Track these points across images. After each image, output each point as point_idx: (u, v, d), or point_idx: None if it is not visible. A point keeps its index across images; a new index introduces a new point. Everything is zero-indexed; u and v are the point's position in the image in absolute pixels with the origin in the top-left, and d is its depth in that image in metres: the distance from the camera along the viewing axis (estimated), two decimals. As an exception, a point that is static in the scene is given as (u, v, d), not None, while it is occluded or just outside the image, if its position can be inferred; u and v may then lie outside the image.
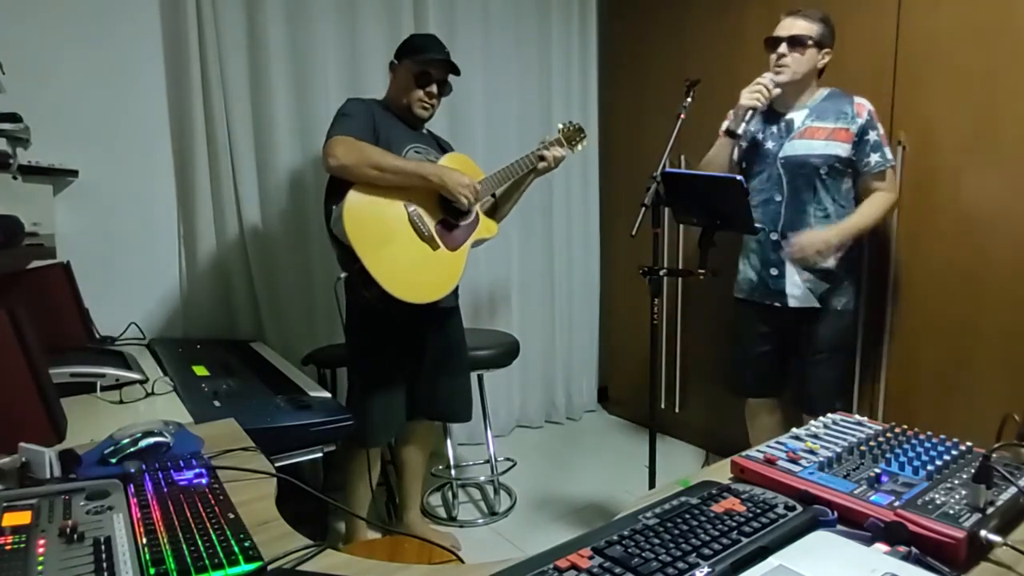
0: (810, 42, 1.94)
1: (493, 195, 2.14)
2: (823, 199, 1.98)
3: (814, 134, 1.97)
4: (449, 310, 2.11)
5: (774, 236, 2.03)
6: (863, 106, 1.95)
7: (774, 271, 2.05)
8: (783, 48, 1.95)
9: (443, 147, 2.17)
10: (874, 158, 1.95)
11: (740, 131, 1.97)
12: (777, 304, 2.06)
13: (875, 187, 1.98)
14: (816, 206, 1.98)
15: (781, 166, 2.00)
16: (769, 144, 2.04)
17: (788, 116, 2.03)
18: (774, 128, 2.04)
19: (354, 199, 1.78)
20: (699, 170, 2.12)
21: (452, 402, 2.18)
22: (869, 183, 1.99)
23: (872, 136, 1.94)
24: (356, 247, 1.75)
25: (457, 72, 2.03)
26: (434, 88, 2.00)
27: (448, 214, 1.95)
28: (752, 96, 1.93)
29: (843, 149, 1.95)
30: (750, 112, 1.94)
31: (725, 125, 2.08)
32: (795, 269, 2.01)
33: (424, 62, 1.97)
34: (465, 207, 1.92)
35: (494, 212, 2.18)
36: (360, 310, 1.97)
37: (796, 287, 2.02)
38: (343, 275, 1.87)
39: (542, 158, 2.10)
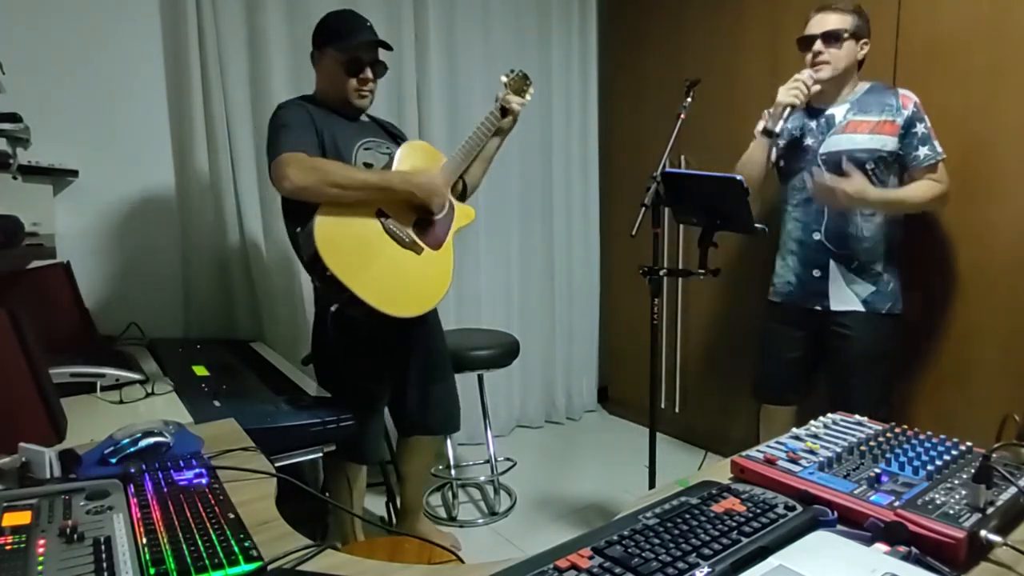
0: (846, 35, 1.86)
1: (461, 177, 1.99)
2: None
3: (857, 128, 1.89)
4: (427, 313, 1.97)
5: (816, 236, 1.95)
6: (908, 98, 1.87)
7: (817, 272, 1.97)
8: (819, 45, 1.88)
9: (390, 132, 2.05)
10: (923, 151, 1.86)
11: (778, 130, 1.90)
12: (818, 308, 1.98)
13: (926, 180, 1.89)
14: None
15: (823, 162, 1.92)
16: (809, 141, 1.96)
17: (828, 111, 1.95)
18: (813, 124, 1.96)
19: (323, 225, 1.64)
20: (735, 173, 2.02)
21: (443, 412, 2.11)
22: (919, 178, 1.89)
23: (920, 128, 1.86)
24: (341, 276, 1.62)
25: (388, 47, 1.87)
26: (368, 73, 1.84)
27: (422, 212, 1.83)
28: (791, 93, 1.86)
29: (890, 143, 1.86)
30: (788, 110, 1.88)
31: (760, 126, 2.00)
32: (840, 271, 1.94)
33: (351, 48, 1.80)
34: (440, 211, 1.82)
35: (465, 192, 2.06)
36: (335, 326, 1.84)
37: (840, 289, 1.94)
38: (334, 308, 1.75)
39: (505, 112, 1.91)
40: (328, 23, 1.86)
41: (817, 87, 1.89)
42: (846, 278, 1.94)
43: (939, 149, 1.88)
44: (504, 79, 1.97)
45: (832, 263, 1.95)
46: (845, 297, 1.94)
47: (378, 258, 1.71)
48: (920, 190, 1.87)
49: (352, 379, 1.88)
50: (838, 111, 1.94)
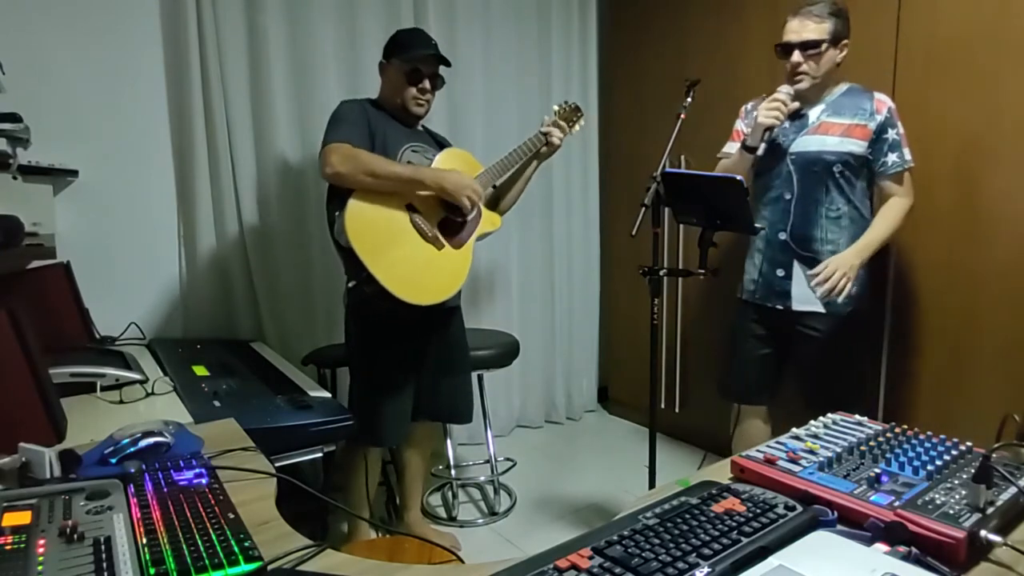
0: (825, 45, 1.84)
1: (494, 186, 2.12)
2: (836, 199, 1.90)
3: (828, 129, 1.88)
4: (451, 309, 2.10)
5: (782, 236, 1.96)
6: (883, 103, 1.86)
7: (780, 272, 1.98)
8: (797, 56, 1.85)
9: (441, 144, 2.15)
10: (891, 158, 1.86)
11: (760, 151, 1.92)
12: (780, 307, 2.00)
13: (891, 191, 1.89)
14: (828, 206, 1.90)
15: (792, 162, 1.92)
16: (780, 139, 1.95)
17: (803, 111, 1.94)
18: (787, 123, 1.95)
19: (354, 207, 1.77)
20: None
21: (455, 402, 2.18)
22: (885, 185, 1.90)
23: (891, 135, 1.85)
24: (361, 255, 1.74)
25: (447, 63, 2.01)
26: (426, 84, 1.98)
27: (450, 212, 1.94)
28: (771, 115, 1.86)
29: (859, 147, 1.86)
30: (767, 133, 1.89)
31: (739, 124, 2.03)
32: (802, 270, 1.95)
33: (413, 59, 1.95)
34: (468, 210, 1.91)
35: (496, 203, 2.17)
36: (363, 313, 1.96)
37: (802, 289, 1.95)
38: (351, 283, 1.85)
39: (547, 143, 2.11)
40: (397, 37, 2.03)
41: (796, 104, 1.90)
42: (808, 279, 1.93)
43: (908, 157, 1.88)
44: (556, 108, 2.20)
45: (796, 263, 1.96)
46: (807, 298, 1.95)
47: (399, 245, 1.83)
48: (887, 221, 1.89)
49: (377, 361, 1.97)
50: (812, 111, 1.94)
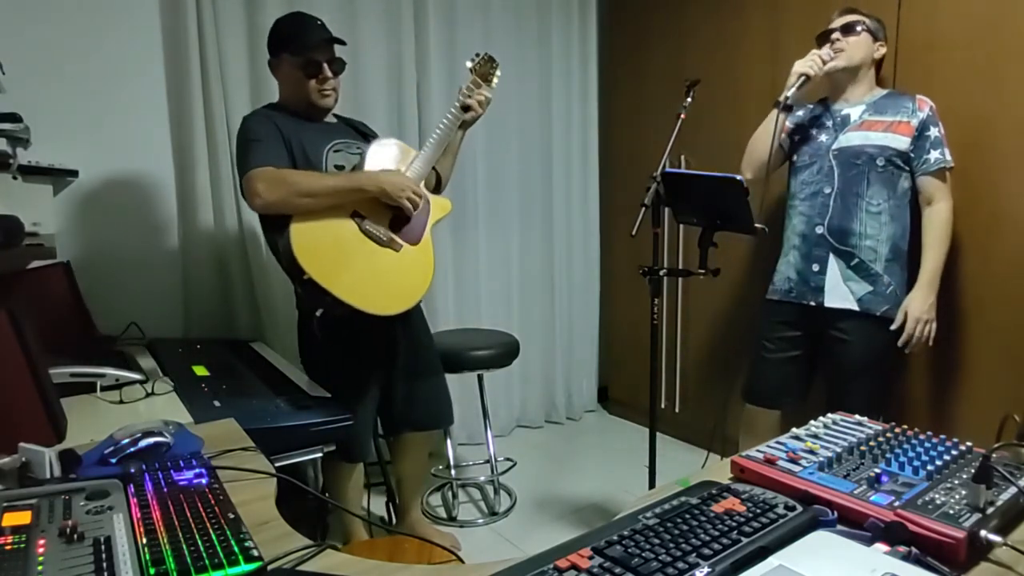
0: (861, 27, 1.91)
1: (434, 168, 2.00)
2: (877, 193, 1.90)
3: (872, 126, 1.92)
4: (409, 309, 1.96)
5: (819, 229, 1.96)
6: (925, 101, 1.90)
7: (816, 266, 1.98)
8: (836, 35, 1.93)
9: (360, 130, 2.05)
10: (934, 155, 1.88)
11: (789, 98, 1.92)
12: (813, 303, 1.99)
13: (932, 188, 1.89)
14: (869, 200, 1.91)
15: (834, 158, 1.94)
16: (823, 137, 1.99)
17: (844, 111, 1.98)
18: (828, 122, 1.99)
19: (299, 231, 1.66)
20: (748, 146, 2.09)
21: (432, 408, 2.11)
22: (926, 182, 1.90)
23: (933, 132, 1.88)
24: (321, 281, 1.64)
25: (342, 43, 1.87)
26: (327, 72, 1.84)
27: (397, 209, 1.83)
28: (807, 64, 1.89)
29: (902, 142, 1.88)
30: (802, 79, 1.89)
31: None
32: (839, 266, 1.95)
33: (304, 50, 1.80)
34: (412, 211, 1.81)
35: (439, 184, 2.08)
36: (320, 327, 1.85)
37: (837, 285, 1.95)
38: (319, 312, 1.77)
39: (467, 108, 1.93)
40: (279, 29, 1.87)
41: (833, 63, 1.92)
42: (843, 274, 1.94)
43: (948, 156, 1.89)
44: (469, 64, 1.97)
45: (832, 258, 1.96)
46: (840, 293, 1.94)
47: (356, 259, 1.73)
48: (939, 236, 1.89)
49: (338, 379, 1.88)
50: (854, 111, 1.96)
